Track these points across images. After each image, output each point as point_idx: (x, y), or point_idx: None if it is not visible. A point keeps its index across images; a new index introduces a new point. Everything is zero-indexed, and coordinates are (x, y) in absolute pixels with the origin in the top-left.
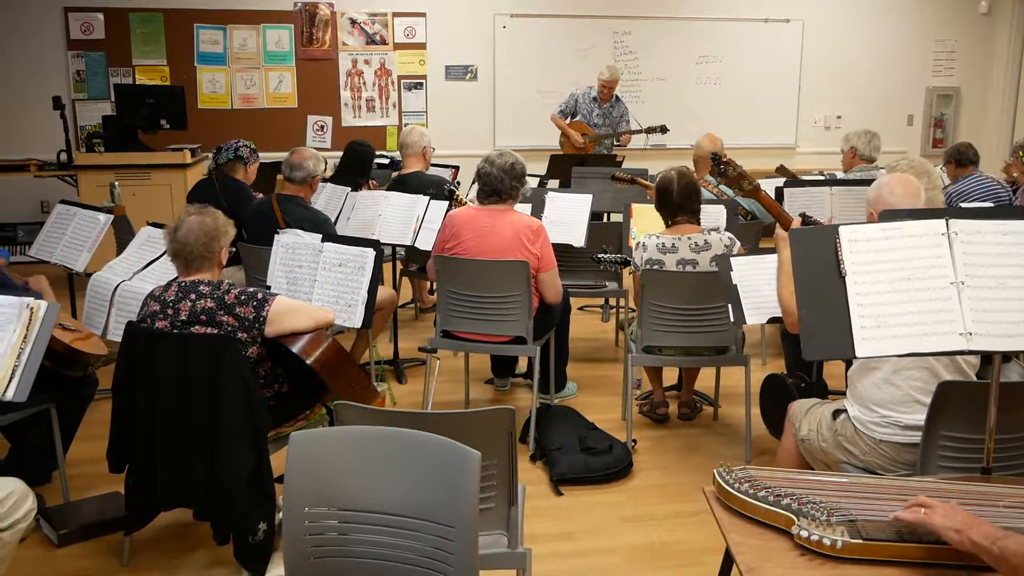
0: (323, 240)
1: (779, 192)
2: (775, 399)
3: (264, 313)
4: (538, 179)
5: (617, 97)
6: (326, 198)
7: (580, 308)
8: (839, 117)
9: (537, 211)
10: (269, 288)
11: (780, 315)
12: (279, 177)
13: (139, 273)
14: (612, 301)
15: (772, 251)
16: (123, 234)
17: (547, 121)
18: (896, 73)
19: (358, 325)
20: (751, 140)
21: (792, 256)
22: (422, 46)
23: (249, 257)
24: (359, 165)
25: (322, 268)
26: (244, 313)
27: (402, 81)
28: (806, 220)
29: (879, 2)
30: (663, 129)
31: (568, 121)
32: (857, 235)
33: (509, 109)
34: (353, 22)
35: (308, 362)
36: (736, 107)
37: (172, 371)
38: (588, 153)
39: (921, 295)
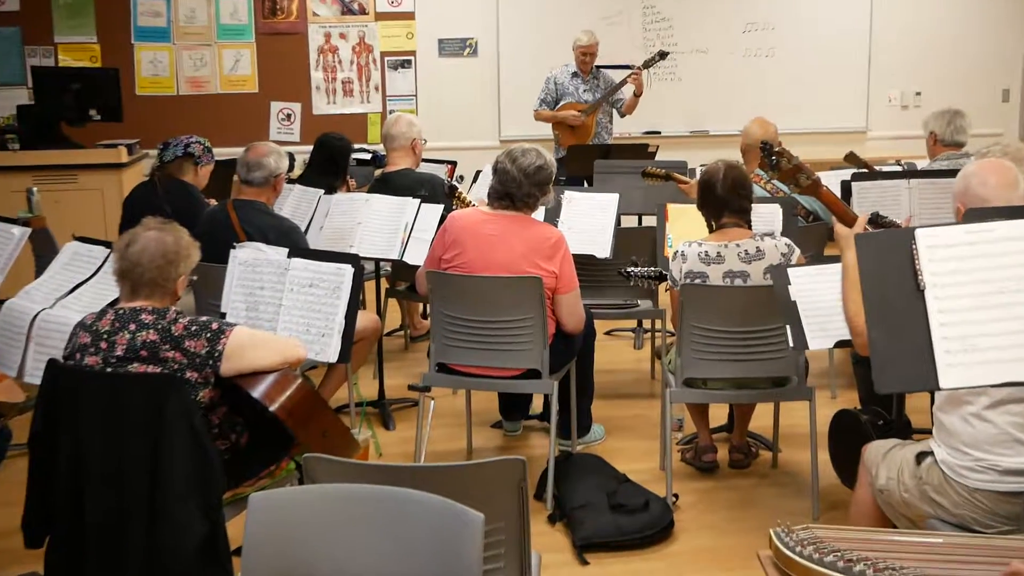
0: (290, 255)
1: (845, 187)
2: (847, 441)
3: (219, 347)
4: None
5: (597, 67)
6: (294, 203)
7: (607, 333)
8: (918, 94)
9: (552, 215)
10: (224, 316)
11: (850, 337)
12: (235, 178)
13: (63, 299)
14: (646, 324)
15: (838, 259)
16: (43, 251)
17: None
18: (988, 39)
19: (334, 359)
20: (812, 124)
21: (859, 267)
22: (410, 16)
23: (200, 277)
24: (332, 163)
25: (289, 290)
26: (194, 347)
27: (386, 59)
28: (878, 220)
29: None
30: (661, 55)
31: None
32: (937, 239)
33: (517, 91)
34: None
35: (272, 409)
36: (792, 85)
37: (104, 419)
38: (588, 137)
39: (1018, 312)
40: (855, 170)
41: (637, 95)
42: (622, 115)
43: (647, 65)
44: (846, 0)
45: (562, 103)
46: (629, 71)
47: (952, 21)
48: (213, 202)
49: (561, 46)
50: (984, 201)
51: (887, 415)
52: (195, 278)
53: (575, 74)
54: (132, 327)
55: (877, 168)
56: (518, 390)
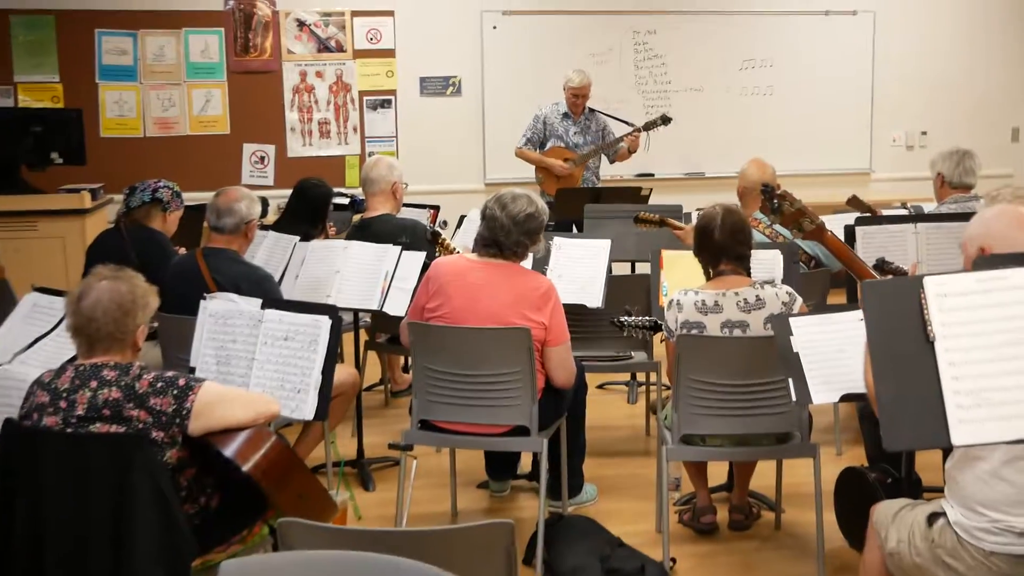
0: (263, 306)
1: (849, 232)
2: (855, 500)
3: (187, 405)
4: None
5: (591, 109)
6: (268, 250)
7: (599, 386)
8: (924, 133)
9: (540, 263)
10: (193, 371)
11: (857, 391)
12: (205, 225)
13: (21, 354)
14: (640, 377)
15: (843, 308)
16: (0, 303)
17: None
18: (996, 76)
19: (310, 416)
20: (812, 165)
21: (865, 317)
22: (390, 53)
23: (168, 330)
24: (311, 212)
25: (263, 343)
26: (161, 405)
27: (365, 98)
28: (884, 267)
29: None
30: (664, 120)
31: (541, 151)
32: (948, 288)
33: (503, 132)
34: (301, 24)
35: (245, 469)
36: (792, 124)
37: (64, 482)
38: (576, 184)
39: None
40: (858, 214)
41: (631, 152)
42: (612, 162)
43: (647, 128)
44: (847, 36)
45: (549, 145)
46: (627, 129)
47: (959, 57)
48: (182, 250)
49: (550, 85)
50: (995, 250)
51: (896, 473)
52: (155, 325)
53: (566, 115)
54: (93, 384)
55: (881, 212)
56: (506, 448)
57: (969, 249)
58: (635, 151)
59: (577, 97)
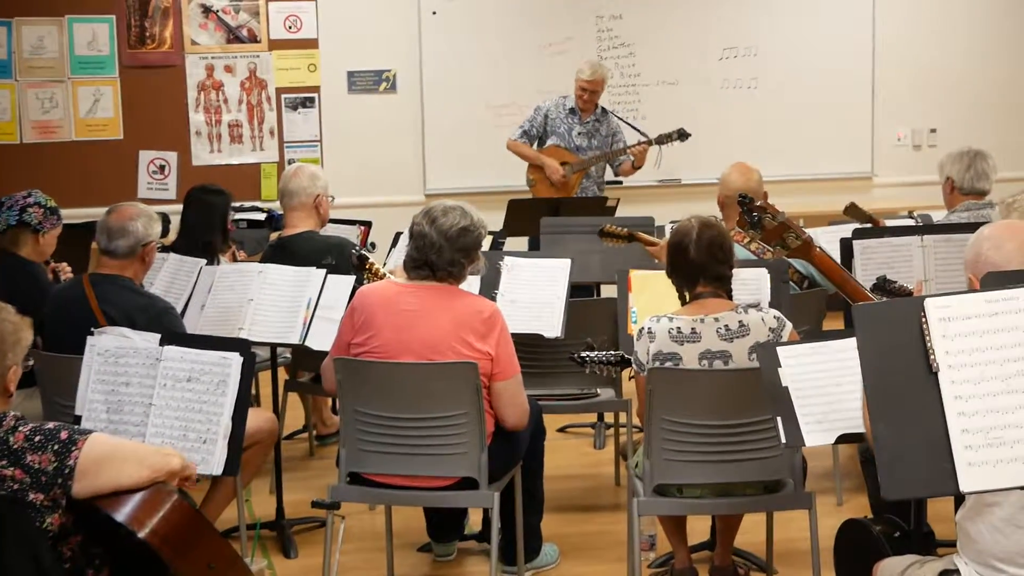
0: (162, 342)
1: (846, 246)
2: (857, 556)
3: (70, 462)
4: (490, 237)
5: (603, 109)
6: (168, 276)
7: (560, 430)
8: (933, 131)
9: (489, 287)
10: (79, 420)
11: (857, 430)
12: (94, 247)
13: None
14: (608, 418)
15: (840, 334)
16: None
17: (502, 149)
18: (1016, 64)
19: (219, 471)
20: (804, 169)
21: (858, 345)
22: (312, 43)
23: (48, 372)
24: (208, 224)
25: (162, 385)
26: (39, 463)
27: (283, 96)
28: (885, 286)
29: None
30: (682, 135)
31: (537, 148)
32: (952, 310)
33: (445, 133)
34: (207, 10)
35: (141, 535)
36: (780, 122)
37: None
38: (570, 194)
39: None
40: (857, 226)
41: (636, 167)
42: (616, 175)
43: (660, 142)
44: (844, 18)
45: (549, 143)
46: (636, 140)
47: (973, 43)
48: (66, 269)
49: (500, 80)
50: (999, 269)
51: (904, 525)
52: (31, 363)
53: (572, 111)
54: None
55: (884, 222)
56: (450, 504)
57: (968, 273)
58: (640, 167)
59: (586, 92)
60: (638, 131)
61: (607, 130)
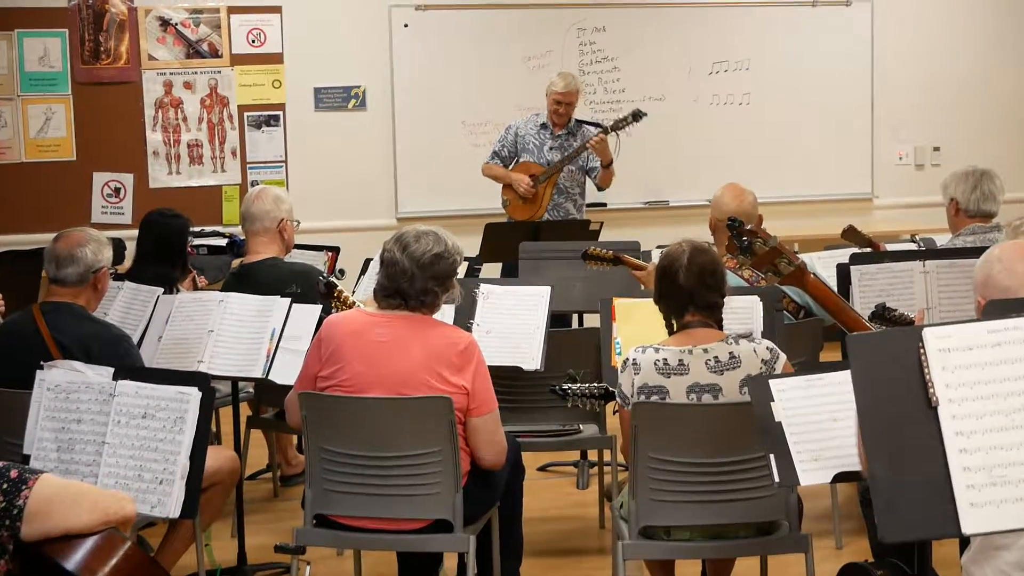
0: (116, 376)
1: (843, 272)
2: None
3: (18, 503)
4: (466, 263)
5: (578, 122)
6: (124, 305)
7: (541, 468)
8: (936, 149)
9: (464, 316)
10: (28, 460)
11: (856, 468)
12: (44, 275)
13: None
14: (592, 456)
15: (837, 366)
16: None
17: (478, 170)
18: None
19: (176, 514)
20: (800, 191)
21: (853, 378)
22: (277, 58)
23: None
24: (165, 250)
25: (115, 422)
26: None
27: (246, 114)
28: (885, 315)
29: None
30: (636, 115)
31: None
32: (952, 341)
33: (418, 153)
34: (165, 23)
35: None
36: (774, 140)
37: None
38: (541, 208)
39: None
40: (855, 250)
41: (604, 165)
42: (599, 188)
43: (616, 128)
44: (841, 30)
45: (521, 160)
46: (592, 140)
47: (978, 56)
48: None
49: (475, 96)
50: (1010, 294)
51: (907, 569)
52: None
53: (544, 125)
54: None
55: (884, 246)
56: (423, 548)
57: (977, 296)
58: (607, 162)
59: (560, 105)
60: (587, 123)
61: (581, 141)
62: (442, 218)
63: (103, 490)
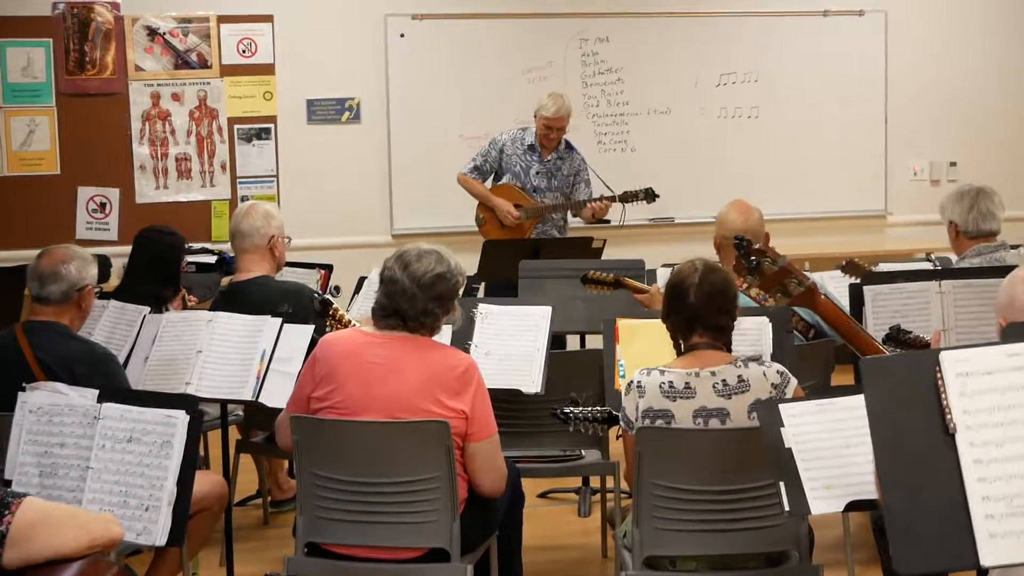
0: (101, 399)
1: (856, 293)
2: None
3: (2, 527)
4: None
5: (568, 144)
6: (109, 324)
7: (542, 495)
8: (953, 164)
9: (462, 337)
10: (9, 484)
11: (869, 496)
12: (27, 293)
13: None
14: (594, 482)
15: (849, 390)
16: None
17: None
18: None
19: (162, 541)
20: (811, 208)
21: (867, 404)
22: (268, 69)
23: None
24: (159, 268)
25: (100, 446)
26: None
27: (236, 127)
28: (899, 337)
29: None
30: (649, 195)
31: (491, 186)
32: (970, 365)
33: (414, 168)
34: (153, 33)
35: None
36: (783, 155)
37: None
38: (523, 233)
39: None
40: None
41: (596, 216)
42: (573, 215)
43: (624, 199)
44: (853, 41)
45: (503, 180)
46: (599, 192)
47: (994, 68)
48: None
49: (474, 108)
50: None
51: None
52: None
53: (532, 147)
54: None
55: (898, 268)
56: None
57: (999, 318)
58: (600, 218)
59: (549, 129)
60: (600, 180)
61: (569, 169)
62: (438, 235)
63: (88, 512)
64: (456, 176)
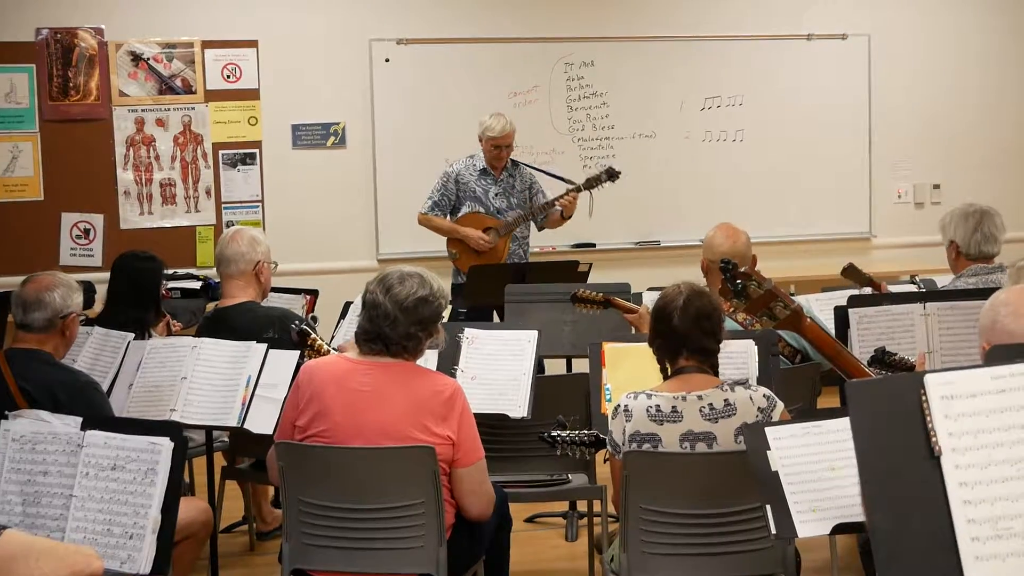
0: (84, 425)
1: (841, 315)
2: None
3: None
4: (450, 307)
5: (514, 162)
6: (93, 351)
7: (529, 520)
8: (936, 187)
9: (448, 362)
10: None
11: (856, 519)
12: (11, 320)
13: None
14: (581, 506)
15: (835, 413)
16: None
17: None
18: None
19: (146, 570)
20: (796, 231)
21: (852, 426)
22: (253, 94)
23: None
24: (139, 294)
25: (83, 474)
26: None
27: (221, 152)
28: (884, 359)
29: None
30: (611, 174)
31: (451, 219)
32: (955, 388)
33: (400, 192)
34: (137, 58)
35: None
36: (768, 178)
37: None
38: (499, 255)
39: None
40: (854, 292)
41: (565, 217)
42: (540, 229)
43: (589, 186)
44: (836, 65)
45: (464, 211)
46: (564, 189)
47: (979, 92)
48: None
49: (459, 132)
50: (1016, 339)
51: None
52: None
53: (484, 171)
54: None
55: (886, 286)
56: None
57: (982, 341)
58: (570, 215)
59: (498, 149)
60: (557, 178)
61: (522, 184)
62: (425, 259)
63: (69, 545)
64: (416, 217)
